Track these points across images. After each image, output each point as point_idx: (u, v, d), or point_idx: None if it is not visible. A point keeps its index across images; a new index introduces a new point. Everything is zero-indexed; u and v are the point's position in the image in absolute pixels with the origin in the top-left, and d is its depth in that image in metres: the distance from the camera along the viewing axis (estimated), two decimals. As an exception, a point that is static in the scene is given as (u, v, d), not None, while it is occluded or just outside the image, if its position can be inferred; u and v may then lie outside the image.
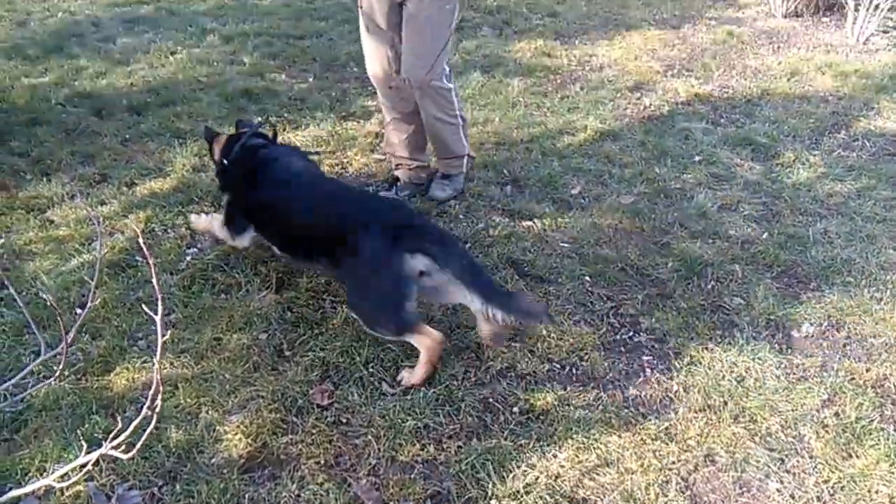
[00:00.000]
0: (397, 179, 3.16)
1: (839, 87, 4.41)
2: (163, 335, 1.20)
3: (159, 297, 1.14)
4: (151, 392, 1.23)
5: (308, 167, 2.49)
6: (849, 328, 2.43)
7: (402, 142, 3.08)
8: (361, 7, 2.84)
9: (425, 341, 2.05)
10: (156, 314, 1.12)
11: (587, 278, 2.62)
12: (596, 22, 5.64)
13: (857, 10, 5.17)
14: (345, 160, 3.42)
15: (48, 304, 1.04)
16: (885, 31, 5.27)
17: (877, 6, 5.01)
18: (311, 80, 4.37)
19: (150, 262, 1.13)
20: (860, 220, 3.04)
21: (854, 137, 3.78)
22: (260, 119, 3.46)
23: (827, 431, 1.99)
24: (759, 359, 2.26)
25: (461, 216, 2.99)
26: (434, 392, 2.08)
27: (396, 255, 2.00)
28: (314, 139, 3.59)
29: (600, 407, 2.07)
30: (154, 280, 1.09)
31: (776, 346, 2.34)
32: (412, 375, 2.09)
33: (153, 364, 2.11)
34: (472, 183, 3.22)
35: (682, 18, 5.78)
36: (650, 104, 4.15)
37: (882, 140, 3.75)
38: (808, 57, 4.89)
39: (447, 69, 2.91)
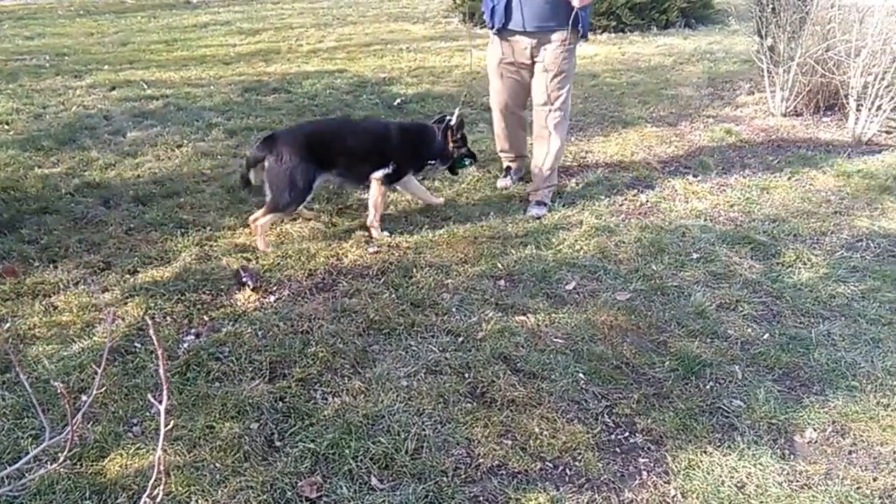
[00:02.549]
0: (510, 168, 4.64)
1: (841, 186, 4.57)
2: (166, 424, 1.35)
3: (165, 387, 1.31)
4: (152, 481, 1.38)
5: None
6: (854, 435, 2.48)
7: (514, 146, 4.59)
8: (497, 57, 4.16)
9: None
10: (157, 401, 1.27)
11: (581, 375, 2.76)
12: (592, 119, 5.99)
13: (858, 109, 5.39)
14: (340, 252, 3.66)
15: (57, 390, 1.19)
16: (887, 132, 5.44)
17: (879, 106, 5.20)
18: (311, 172, 4.70)
19: (161, 352, 1.31)
20: (865, 322, 3.11)
21: (857, 238, 3.87)
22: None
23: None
24: (761, 464, 2.33)
25: (454, 309, 3.16)
26: (423, 488, 2.20)
27: None
28: (311, 230, 3.87)
29: (594, 510, 2.15)
30: (162, 370, 1.27)
31: (778, 451, 2.40)
32: None
33: (147, 451, 2.26)
34: (466, 277, 3.43)
35: (679, 116, 6.10)
36: (647, 200, 4.38)
37: (886, 241, 3.82)
38: (809, 156, 5.11)
39: (569, 104, 4.25)
